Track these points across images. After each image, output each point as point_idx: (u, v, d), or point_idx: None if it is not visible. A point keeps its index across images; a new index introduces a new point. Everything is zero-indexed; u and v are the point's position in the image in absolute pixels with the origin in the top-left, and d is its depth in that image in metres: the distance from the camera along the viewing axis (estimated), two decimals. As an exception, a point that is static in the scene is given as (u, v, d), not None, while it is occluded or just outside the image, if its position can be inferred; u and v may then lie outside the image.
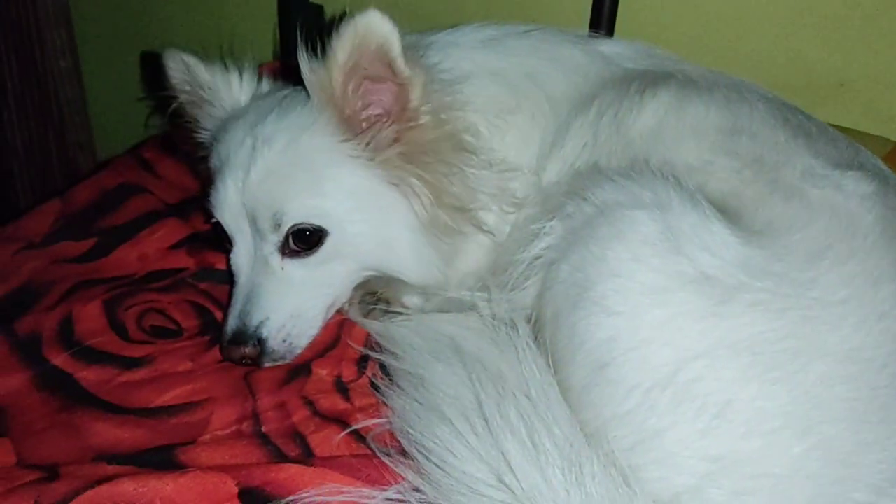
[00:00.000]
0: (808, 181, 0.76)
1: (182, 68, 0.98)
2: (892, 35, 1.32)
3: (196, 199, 1.15)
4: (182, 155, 1.24)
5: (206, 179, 1.03)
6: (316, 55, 0.86)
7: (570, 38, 1.02)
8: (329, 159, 0.87)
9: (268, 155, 0.87)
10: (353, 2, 1.70)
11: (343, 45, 0.82)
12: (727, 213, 0.74)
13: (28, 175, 2.32)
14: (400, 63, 0.82)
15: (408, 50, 0.84)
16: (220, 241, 0.95)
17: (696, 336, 0.66)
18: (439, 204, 0.87)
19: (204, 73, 0.98)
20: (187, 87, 0.99)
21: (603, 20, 1.30)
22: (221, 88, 0.98)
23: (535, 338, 0.79)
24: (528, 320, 0.82)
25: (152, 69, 1.03)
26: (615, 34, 1.38)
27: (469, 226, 0.89)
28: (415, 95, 0.85)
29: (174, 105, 1.01)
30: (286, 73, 1.44)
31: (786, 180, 0.77)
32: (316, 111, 0.87)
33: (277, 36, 1.75)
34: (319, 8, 1.73)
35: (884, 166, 0.86)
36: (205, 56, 1.04)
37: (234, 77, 0.99)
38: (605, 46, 1.03)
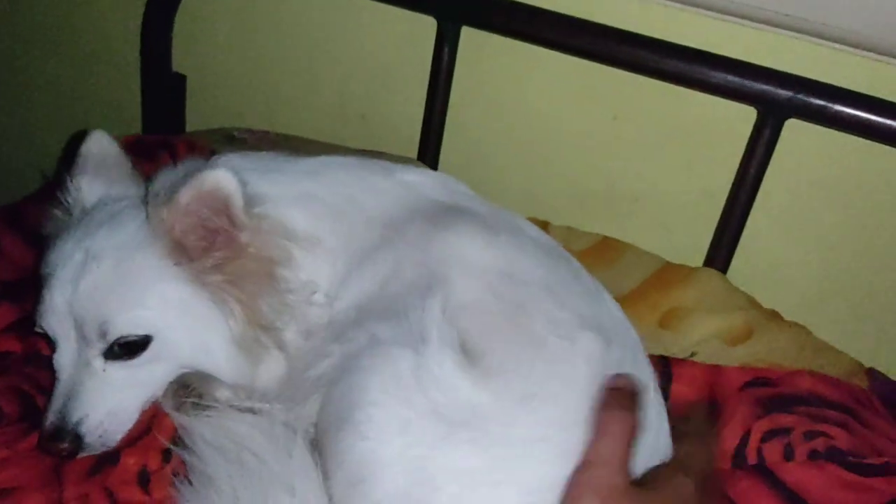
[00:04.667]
0: (551, 332, 0.92)
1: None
2: (675, 158, 1.54)
3: (33, 280, 1.23)
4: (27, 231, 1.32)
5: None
6: (163, 192, 0.96)
7: (379, 168, 1.17)
8: (157, 278, 0.97)
9: (97, 272, 0.96)
10: (216, 71, 1.83)
11: (189, 194, 0.94)
12: (476, 352, 0.90)
13: None
14: (239, 216, 0.96)
15: (245, 198, 0.96)
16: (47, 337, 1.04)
17: (426, 464, 0.82)
18: (250, 321, 1.00)
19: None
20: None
21: (430, 141, 1.48)
22: (72, 190, 1.06)
23: (317, 446, 0.93)
24: (312, 427, 0.96)
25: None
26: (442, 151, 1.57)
27: (272, 342, 1.02)
28: (244, 236, 0.97)
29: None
30: (143, 147, 1.55)
31: (533, 328, 0.93)
32: (151, 236, 0.97)
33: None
34: (182, 77, 1.82)
35: (617, 313, 1.04)
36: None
37: (85, 179, 1.06)
38: (407, 175, 1.16)
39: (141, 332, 0.96)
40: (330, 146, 1.63)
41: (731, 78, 1.28)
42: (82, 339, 0.97)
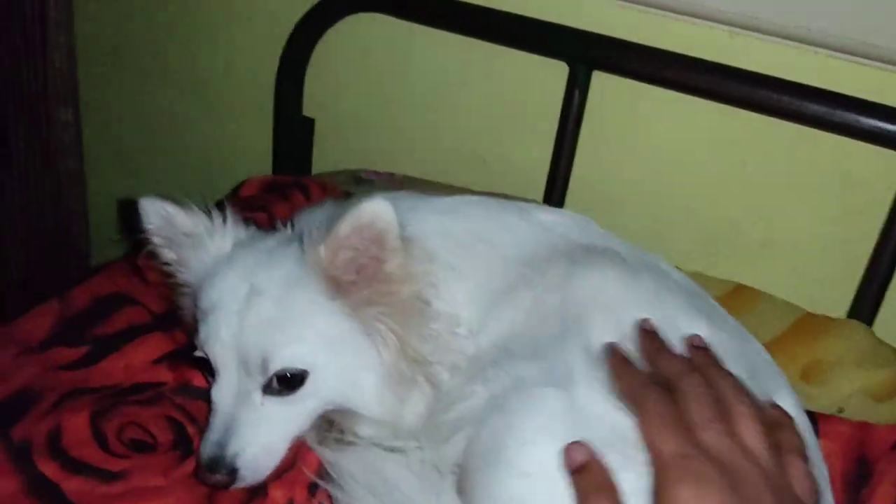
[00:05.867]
0: None
1: (160, 214, 1.09)
2: (811, 204, 1.50)
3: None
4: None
5: (179, 307, 1.16)
6: (317, 230, 0.99)
7: (514, 207, 1.18)
8: (315, 313, 1.00)
9: (262, 305, 0.99)
10: (341, 115, 1.89)
11: (348, 228, 0.96)
12: None
13: (21, 234, 2.45)
14: (395, 244, 0.97)
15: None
16: (202, 369, 1.07)
17: None
18: (402, 353, 1.01)
19: (185, 219, 1.08)
20: (165, 233, 1.10)
21: (557, 183, 1.49)
22: (205, 235, 1.09)
23: (459, 487, 0.93)
24: (455, 468, 0.96)
25: (128, 212, 1.11)
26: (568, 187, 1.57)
27: (421, 376, 1.03)
28: (394, 265, 0.99)
29: (149, 248, 1.12)
30: (277, 187, 1.61)
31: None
32: (307, 272, 1.00)
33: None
34: (311, 121, 1.89)
35: (766, 356, 1.01)
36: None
37: (218, 224, 1.10)
38: (542, 215, 1.18)
39: (300, 366, 0.98)
40: (453, 188, 1.65)
41: (882, 125, 1.24)
42: (244, 371, 1.00)
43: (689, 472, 0.74)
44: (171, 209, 1.08)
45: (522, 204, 1.21)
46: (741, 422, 0.79)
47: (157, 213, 1.09)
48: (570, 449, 0.81)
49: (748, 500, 0.72)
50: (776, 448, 0.79)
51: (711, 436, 0.77)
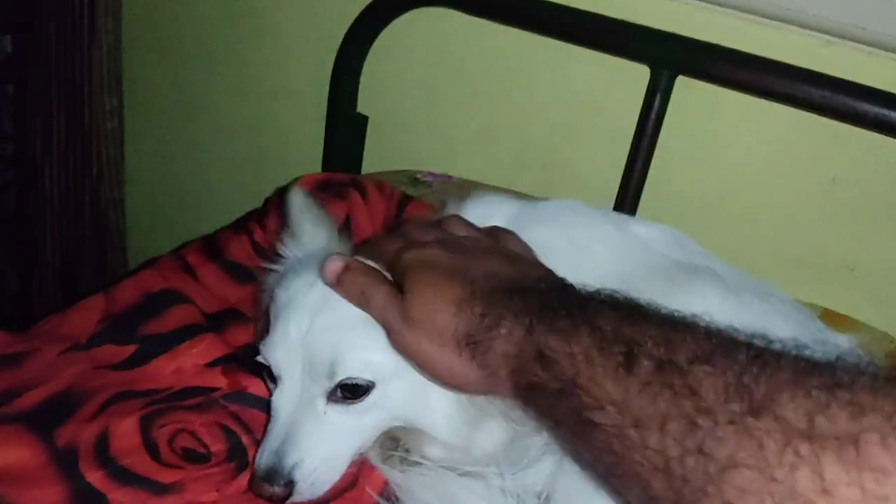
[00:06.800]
0: None
1: (302, 207, 1.05)
2: (904, 229, 1.39)
3: (232, 313, 1.21)
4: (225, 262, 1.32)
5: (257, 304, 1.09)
6: None
7: (608, 218, 1.10)
8: None
9: (334, 308, 0.91)
10: (396, 113, 1.81)
11: None
12: None
13: (59, 222, 2.41)
14: None
15: None
16: (259, 372, 1.00)
17: None
18: None
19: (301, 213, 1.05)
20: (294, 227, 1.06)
21: (629, 194, 1.40)
22: (305, 229, 1.04)
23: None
24: (539, 497, 0.88)
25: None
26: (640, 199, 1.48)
27: (496, 408, 0.94)
28: None
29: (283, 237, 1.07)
30: (332, 185, 1.53)
31: None
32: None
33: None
34: (365, 118, 1.82)
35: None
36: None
37: (314, 221, 1.05)
38: (638, 228, 1.10)
39: (368, 376, 0.91)
40: (516, 194, 1.57)
41: None
42: (308, 376, 0.92)
43: (416, 257, 0.83)
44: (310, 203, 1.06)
45: (614, 214, 1.13)
46: (451, 226, 0.91)
47: (299, 206, 1.05)
48: (326, 265, 0.88)
49: (469, 257, 0.82)
50: (488, 234, 0.91)
51: (425, 234, 0.89)
